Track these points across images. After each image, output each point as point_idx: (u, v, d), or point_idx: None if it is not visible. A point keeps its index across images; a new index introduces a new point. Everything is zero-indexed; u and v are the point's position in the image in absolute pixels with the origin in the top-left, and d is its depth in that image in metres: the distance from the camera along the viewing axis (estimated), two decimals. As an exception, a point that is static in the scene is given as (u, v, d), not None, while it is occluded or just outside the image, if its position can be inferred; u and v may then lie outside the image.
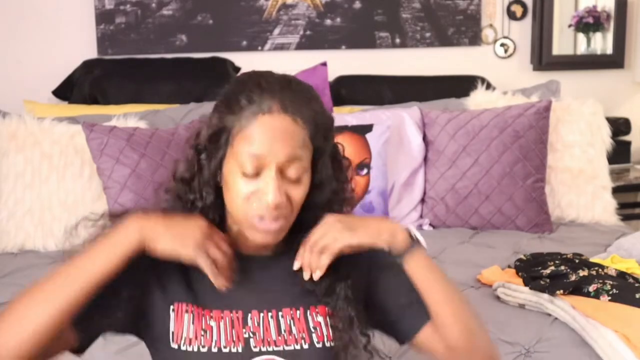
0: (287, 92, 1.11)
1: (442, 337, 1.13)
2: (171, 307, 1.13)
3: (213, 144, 1.12)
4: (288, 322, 1.15)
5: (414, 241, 1.13)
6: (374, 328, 1.21)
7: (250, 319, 1.14)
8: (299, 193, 1.11)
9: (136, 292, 1.12)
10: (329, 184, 1.17)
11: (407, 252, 1.12)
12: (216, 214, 1.15)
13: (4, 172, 2.37)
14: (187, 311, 1.13)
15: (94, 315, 1.08)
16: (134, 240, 1.05)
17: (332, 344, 1.15)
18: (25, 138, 2.39)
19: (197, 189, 1.14)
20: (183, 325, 1.12)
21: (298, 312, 1.16)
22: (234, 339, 1.12)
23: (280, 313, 1.15)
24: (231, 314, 1.13)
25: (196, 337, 1.11)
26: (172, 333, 1.12)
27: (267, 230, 1.10)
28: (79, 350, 1.10)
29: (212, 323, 1.12)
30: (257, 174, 1.08)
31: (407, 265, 1.12)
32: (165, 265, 1.10)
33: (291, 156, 1.08)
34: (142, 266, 1.09)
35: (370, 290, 1.20)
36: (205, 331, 1.12)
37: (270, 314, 1.14)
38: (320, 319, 1.16)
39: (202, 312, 1.13)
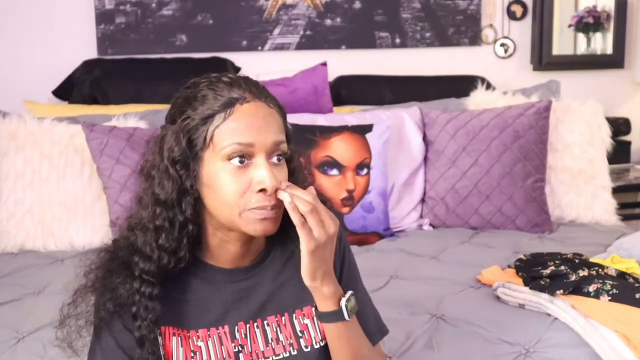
0: (250, 80, 1.10)
1: None
2: (157, 331, 1.09)
3: (190, 149, 1.06)
4: (274, 329, 1.14)
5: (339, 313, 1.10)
6: None
7: (238, 331, 1.12)
8: (283, 176, 1.08)
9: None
10: (300, 172, 1.16)
11: (324, 318, 1.11)
12: (195, 226, 1.09)
13: (4, 172, 2.37)
14: (174, 334, 1.11)
15: None
16: None
17: (321, 344, 1.14)
18: (25, 138, 2.39)
19: (176, 203, 1.07)
20: (172, 349, 1.10)
21: (283, 318, 1.15)
22: (225, 356, 1.11)
23: (265, 322, 1.14)
24: (218, 331, 1.12)
25: None
26: (163, 356, 1.09)
27: (271, 218, 1.05)
28: None
29: (200, 343, 1.11)
30: (245, 165, 1.04)
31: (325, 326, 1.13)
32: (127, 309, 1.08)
33: (276, 141, 1.06)
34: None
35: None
36: (194, 353, 1.10)
37: (255, 324, 1.13)
38: (307, 321, 1.15)
39: (188, 334, 1.11)
